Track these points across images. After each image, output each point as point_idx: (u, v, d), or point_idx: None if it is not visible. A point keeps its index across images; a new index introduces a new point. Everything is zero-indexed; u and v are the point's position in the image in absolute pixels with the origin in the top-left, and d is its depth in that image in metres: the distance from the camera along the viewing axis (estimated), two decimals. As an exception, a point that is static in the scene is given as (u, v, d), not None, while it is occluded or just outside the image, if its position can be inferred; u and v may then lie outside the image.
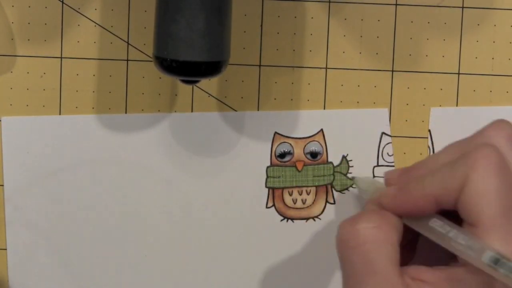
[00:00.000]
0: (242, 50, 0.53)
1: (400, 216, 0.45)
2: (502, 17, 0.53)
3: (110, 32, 0.53)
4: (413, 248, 0.48)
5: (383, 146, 0.53)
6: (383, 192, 0.46)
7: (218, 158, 0.53)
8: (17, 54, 0.53)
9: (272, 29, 0.53)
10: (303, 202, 0.53)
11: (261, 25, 0.53)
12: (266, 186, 0.53)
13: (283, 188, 0.53)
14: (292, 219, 0.53)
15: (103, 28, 0.53)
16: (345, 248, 0.44)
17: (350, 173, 0.53)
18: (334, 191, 0.53)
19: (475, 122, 0.53)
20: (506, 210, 0.42)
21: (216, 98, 0.53)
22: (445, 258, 0.44)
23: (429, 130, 0.53)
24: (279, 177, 0.53)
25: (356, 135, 0.53)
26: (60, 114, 0.53)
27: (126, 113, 0.53)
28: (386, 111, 0.53)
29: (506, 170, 0.43)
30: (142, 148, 0.52)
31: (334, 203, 0.53)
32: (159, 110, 0.53)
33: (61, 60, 0.53)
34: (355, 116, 0.53)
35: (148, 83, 0.53)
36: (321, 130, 0.53)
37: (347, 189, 0.53)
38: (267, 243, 0.53)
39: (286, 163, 0.53)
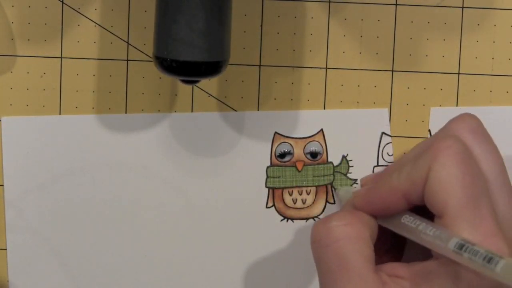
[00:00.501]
0: (242, 50, 0.53)
1: (373, 215, 0.46)
2: (502, 17, 0.53)
3: (110, 32, 0.53)
4: (400, 253, 0.48)
5: (383, 146, 0.53)
6: (355, 193, 0.47)
7: (218, 158, 0.53)
8: (17, 54, 0.53)
9: (272, 29, 0.53)
10: (303, 202, 0.53)
11: (261, 25, 0.53)
12: (266, 186, 0.53)
13: (283, 188, 0.53)
14: (292, 219, 0.53)
15: (103, 28, 0.53)
16: (319, 247, 0.45)
17: (350, 173, 0.53)
18: (334, 191, 0.53)
19: None
20: (471, 198, 0.42)
21: (216, 98, 0.53)
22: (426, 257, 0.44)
23: (429, 130, 0.53)
24: (279, 177, 0.53)
25: (356, 135, 0.53)
26: (60, 114, 0.53)
27: (126, 113, 0.53)
28: (386, 111, 0.53)
29: (469, 160, 0.43)
30: (142, 149, 0.52)
31: (334, 203, 0.53)
32: (159, 110, 0.53)
33: (61, 60, 0.53)
34: (355, 116, 0.53)
35: (148, 83, 0.53)
36: (321, 130, 0.53)
37: None
38: (268, 242, 0.53)
39: (286, 163, 0.53)
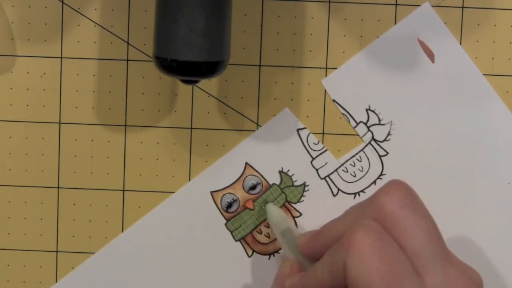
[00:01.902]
0: (242, 50, 0.53)
1: None
2: (502, 17, 0.53)
3: (110, 32, 0.53)
4: None
5: (305, 140, 0.53)
6: (288, 281, 0.47)
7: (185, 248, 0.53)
8: (17, 54, 0.53)
9: (272, 29, 0.53)
10: None
11: (261, 25, 0.53)
12: (236, 240, 0.53)
13: (250, 232, 0.53)
14: (276, 252, 0.53)
15: (103, 28, 0.53)
16: None
17: (296, 180, 0.53)
18: (294, 205, 0.53)
19: (366, 65, 0.53)
20: (392, 285, 0.41)
21: (216, 98, 0.53)
22: None
23: (334, 100, 0.53)
24: (240, 226, 0.53)
25: (277, 146, 0.53)
26: (60, 114, 0.53)
27: (126, 113, 0.53)
28: (286, 110, 0.53)
29: (385, 245, 0.42)
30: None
31: (301, 214, 0.53)
32: (159, 110, 0.53)
33: (61, 60, 0.53)
34: (266, 131, 0.53)
35: (148, 83, 0.53)
36: (246, 163, 0.53)
37: (302, 195, 0.53)
38: (269, 281, 0.53)
39: (238, 210, 0.53)
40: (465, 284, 0.44)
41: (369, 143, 0.53)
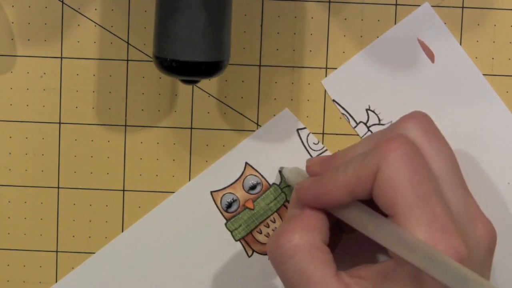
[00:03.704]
0: (242, 50, 0.53)
1: (318, 208, 0.46)
2: (502, 17, 0.53)
3: (110, 32, 0.53)
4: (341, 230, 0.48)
5: (305, 140, 0.53)
6: (299, 184, 0.46)
7: (186, 247, 0.53)
8: (17, 54, 0.53)
9: (272, 29, 0.53)
10: (275, 230, 0.53)
11: (261, 25, 0.53)
12: (236, 240, 0.53)
13: (250, 232, 0.53)
14: None
15: (103, 28, 0.53)
16: (277, 265, 0.45)
17: None
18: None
19: (363, 63, 0.53)
20: (421, 197, 0.42)
21: (216, 98, 0.53)
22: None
23: (334, 100, 0.53)
24: (240, 225, 0.53)
25: (277, 147, 0.53)
26: (60, 114, 0.53)
27: (126, 113, 0.53)
28: (287, 110, 0.53)
29: (418, 159, 0.43)
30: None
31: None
32: (159, 110, 0.53)
33: (61, 60, 0.53)
34: (266, 132, 0.53)
35: (148, 83, 0.53)
36: (246, 163, 0.53)
37: None
38: (271, 281, 0.53)
39: (238, 210, 0.53)
40: (482, 215, 0.44)
41: None
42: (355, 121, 0.53)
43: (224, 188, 0.53)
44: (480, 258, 0.44)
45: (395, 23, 0.53)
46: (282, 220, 0.53)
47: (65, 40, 0.53)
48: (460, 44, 0.53)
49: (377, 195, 0.43)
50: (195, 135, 0.53)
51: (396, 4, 0.53)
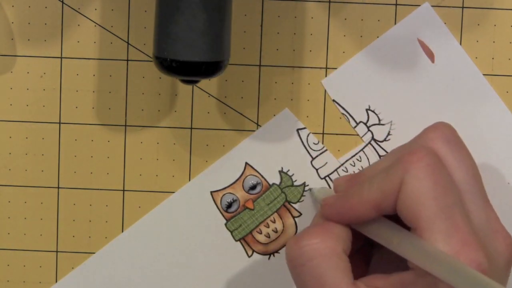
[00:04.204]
0: (242, 50, 0.53)
1: (343, 224, 0.46)
2: (502, 17, 0.53)
3: (110, 32, 0.53)
4: (368, 258, 0.48)
5: (305, 140, 0.53)
6: (324, 200, 0.47)
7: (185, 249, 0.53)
8: (17, 54, 0.53)
9: (272, 29, 0.53)
10: (275, 231, 0.53)
11: (261, 25, 0.53)
12: (236, 240, 0.53)
13: (250, 232, 0.53)
14: (276, 251, 0.53)
15: (103, 28, 0.53)
16: (294, 267, 0.45)
17: (295, 180, 0.53)
18: (294, 205, 0.53)
19: (371, 64, 0.53)
20: (444, 209, 0.42)
21: (216, 98, 0.53)
22: (401, 264, 0.44)
23: (334, 100, 0.53)
24: (240, 225, 0.53)
25: (277, 146, 0.53)
26: (60, 114, 0.53)
27: (126, 113, 0.53)
28: (287, 110, 0.53)
29: (441, 171, 0.43)
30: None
31: (301, 214, 0.53)
32: (159, 110, 0.53)
33: (61, 60, 0.53)
34: (266, 132, 0.53)
35: (148, 83, 0.53)
36: (246, 163, 0.53)
37: (302, 195, 0.53)
38: (269, 282, 0.53)
39: (238, 210, 0.53)
40: (503, 228, 0.44)
41: (369, 143, 0.53)
42: (355, 121, 0.53)
43: (224, 188, 0.53)
44: (499, 271, 0.44)
45: (395, 23, 0.53)
46: (282, 220, 0.53)
47: (65, 40, 0.53)
48: (460, 44, 0.53)
49: (400, 208, 0.43)
50: (195, 135, 0.53)
51: (396, 4, 0.53)
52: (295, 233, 0.53)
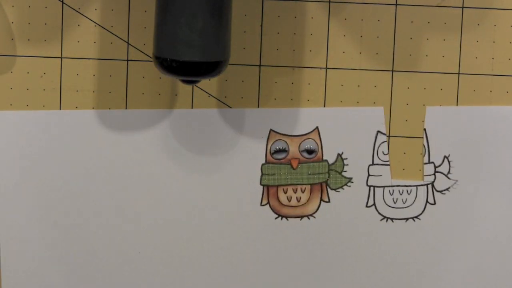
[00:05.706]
0: (242, 50, 0.53)
1: None
2: (502, 17, 0.53)
3: (110, 32, 0.53)
4: None
5: (378, 144, 0.53)
6: None
7: (213, 155, 0.53)
8: (17, 54, 0.53)
9: (272, 29, 0.53)
10: (298, 200, 0.53)
11: (261, 25, 0.53)
12: (260, 184, 0.53)
13: (277, 186, 0.53)
14: (286, 217, 0.53)
15: (103, 28, 0.53)
16: None
17: (345, 171, 0.53)
18: (329, 189, 0.53)
19: (474, 122, 0.53)
20: None
21: (216, 98, 0.53)
22: None
23: (424, 129, 0.53)
24: (273, 174, 0.53)
25: (352, 133, 0.53)
26: (60, 114, 0.53)
27: (126, 113, 0.53)
28: (381, 109, 0.53)
29: None
30: (138, 146, 0.52)
31: (329, 202, 0.53)
32: (159, 110, 0.53)
33: (61, 60, 0.53)
34: (351, 114, 0.53)
35: (148, 83, 0.53)
36: (317, 128, 0.53)
37: (342, 187, 0.53)
38: (261, 240, 0.53)
39: (281, 160, 0.53)
40: None
41: (427, 185, 0.53)
42: (429, 158, 0.53)
43: (284, 135, 0.53)
44: None
45: (395, 23, 0.53)
46: (310, 196, 0.53)
47: (65, 40, 0.53)
48: (460, 44, 0.53)
49: None
50: (195, 135, 0.53)
51: (396, 4, 0.53)
52: (313, 214, 0.53)
